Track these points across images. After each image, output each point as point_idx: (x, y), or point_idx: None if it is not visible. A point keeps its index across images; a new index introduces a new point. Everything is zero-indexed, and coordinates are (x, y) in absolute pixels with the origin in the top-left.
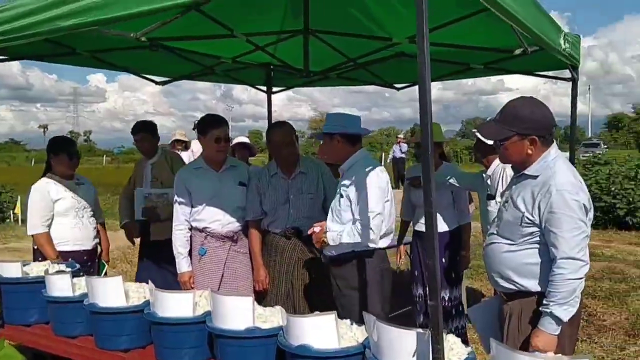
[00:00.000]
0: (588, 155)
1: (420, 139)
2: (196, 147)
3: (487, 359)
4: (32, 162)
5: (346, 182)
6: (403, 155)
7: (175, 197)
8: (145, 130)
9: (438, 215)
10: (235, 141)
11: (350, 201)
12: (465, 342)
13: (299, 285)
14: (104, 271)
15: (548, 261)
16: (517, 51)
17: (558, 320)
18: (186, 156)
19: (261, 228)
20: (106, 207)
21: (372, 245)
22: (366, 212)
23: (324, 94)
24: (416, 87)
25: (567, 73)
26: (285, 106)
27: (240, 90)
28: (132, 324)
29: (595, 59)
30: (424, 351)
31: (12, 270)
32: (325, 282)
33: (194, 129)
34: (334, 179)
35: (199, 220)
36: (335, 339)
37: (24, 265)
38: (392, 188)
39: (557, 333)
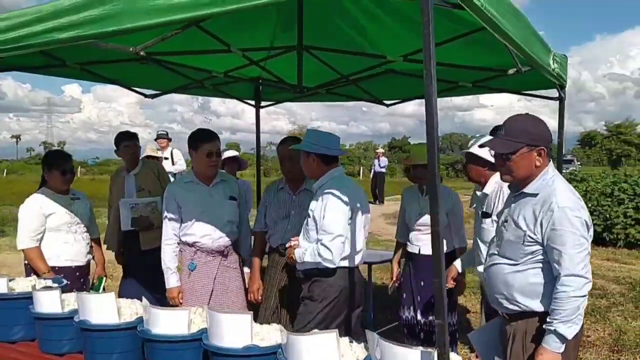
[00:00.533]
0: (563, 172)
1: (428, 160)
2: (177, 157)
3: None
4: (5, 173)
5: (314, 202)
6: (382, 170)
7: (165, 212)
8: (129, 139)
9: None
10: (225, 155)
11: (315, 221)
12: None
13: (286, 301)
14: (102, 285)
15: (551, 281)
16: (511, 71)
17: (562, 338)
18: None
19: (265, 240)
20: None
21: (330, 265)
22: (327, 233)
23: (302, 108)
24: (402, 104)
25: (549, 91)
26: (264, 119)
27: (218, 103)
28: (125, 342)
29: (568, 77)
30: None
31: None
32: None
33: (156, 140)
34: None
35: (189, 235)
36: (336, 358)
37: (10, 281)
38: (371, 203)
39: (561, 351)
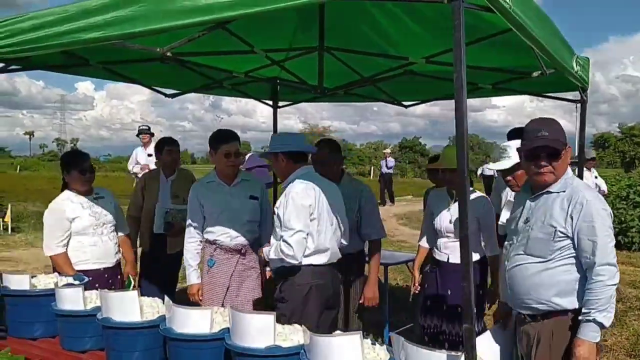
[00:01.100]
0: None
1: (457, 164)
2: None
3: None
4: (18, 170)
5: (280, 200)
6: (390, 171)
7: (189, 211)
8: (172, 144)
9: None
10: (250, 163)
11: (280, 219)
12: None
13: None
14: (130, 287)
15: (580, 278)
16: (535, 73)
17: (601, 327)
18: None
19: None
20: None
21: (293, 261)
22: (287, 229)
23: (312, 107)
24: (420, 105)
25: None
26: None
27: (229, 101)
28: (147, 340)
29: None
30: None
31: (20, 282)
32: None
33: (137, 135)
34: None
35: (209, 233)
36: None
37: (32, 277)
38: (379, 204)
39: (597, 340)
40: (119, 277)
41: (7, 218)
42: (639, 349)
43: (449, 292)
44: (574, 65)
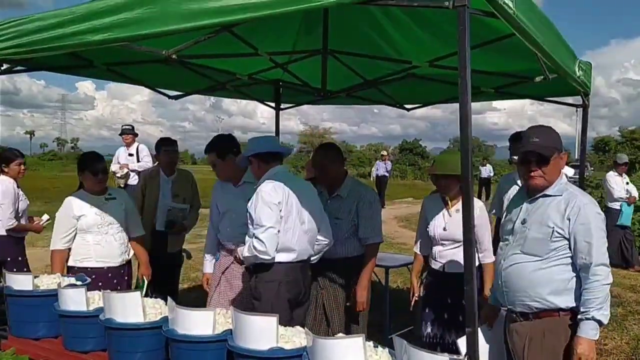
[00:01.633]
0: (576, 177)
1: (462, 168)
2: (142, 153)
3: None
4: None
5: (251, 199)
6: (387, 174)
7: (211, 206)
8: (169, 145)
9: (459, 253)
10: None
11: (251, 217)
12: None
13: None
14: (144, 288)
15: (574, 278)
16: (538, 78)
17: (600, 324)
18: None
19: None
20: None
21: (265, 257)
22: (259, 226)
23: (313, 108)
24: (425, 109)
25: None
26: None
27: (229, 102)
28: (149, 341)
29: None
30: None
31: (23, 282)
32: None
33: (120, 135)
34: (371, 205)
35: (218, 231)
36: None
37: (35, 278)
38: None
39: (596, 338)
40: (126, 277)
41: None
42: (639, 353)
43: (449, 301)
44: (577, 70)
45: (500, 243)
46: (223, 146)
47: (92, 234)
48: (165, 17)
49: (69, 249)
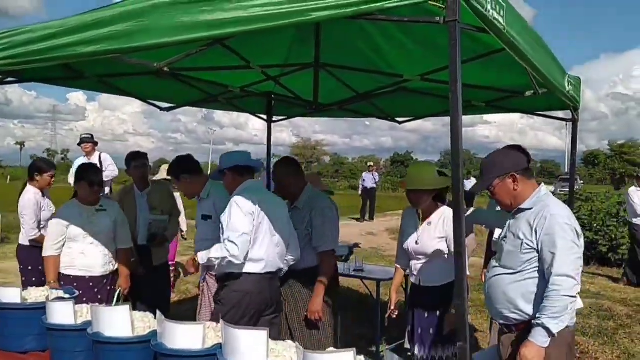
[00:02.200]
0: (565, 190)
1: (452, 182)
2: (107, 162)
3: None
4: (8, 179)
5: (225, 210)
6: (375, 186)
7: None
8: (138, 159)
9: (433, 266)
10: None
11: (224, 224)
12: None
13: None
14: (116, 297)
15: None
16: (528, 93)
17: (548, 332)
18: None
19: None
20: None
21: (236, 261)
22: (234, 231)
23: (305, 121)
24: (416, 122)
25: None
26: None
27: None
28: (138, 355)
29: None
30: None
31: (11, 295)
32: None
33: (79, 145)
34: (323, 213)
35: None
36: None
37: (23, 290)
38: (361, 220)
39: (545, 346)
40: (108, 287)
41: None
42: None
43: (426, 315)
44: (566, 85)
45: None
46: (174, 168)
47: (77, 242)
48: (157, 29)
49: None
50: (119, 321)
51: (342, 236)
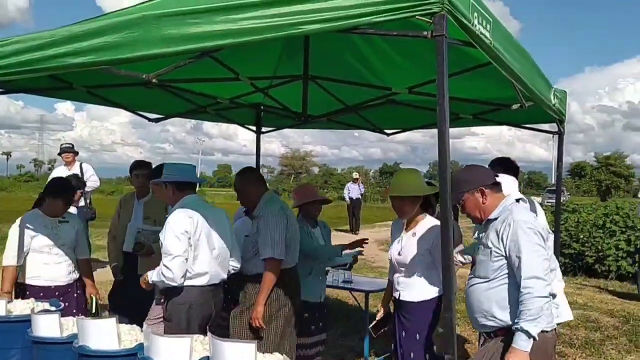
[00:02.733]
0: (552, 201)
1: (440, 192)
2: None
3: None
4: None
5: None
6: (360, 197)
7: None
8: (140, 168)
9: (412, 281)
10: None
11: (162, 245)
12: None
13: None
14: (93, 304)
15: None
16: (515, 106)
17: (529, 335)
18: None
19: None
20: None
21: (173, 283)
22: (167, 255)
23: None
24: (405, 133)
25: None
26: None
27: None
28: None
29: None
30: None
31: None
32: None
33: (60, 154)
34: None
35: None
36: None
37: (8, 303)
38: (345, 232)
39: (528, 350)
40: (75, 295)
41: None
42: None
43: (404, 334)
44: (552, 98)
45: None
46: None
47: (42, 254)
48: (146, 41)
49: (19, 266)
50: (105, 334)
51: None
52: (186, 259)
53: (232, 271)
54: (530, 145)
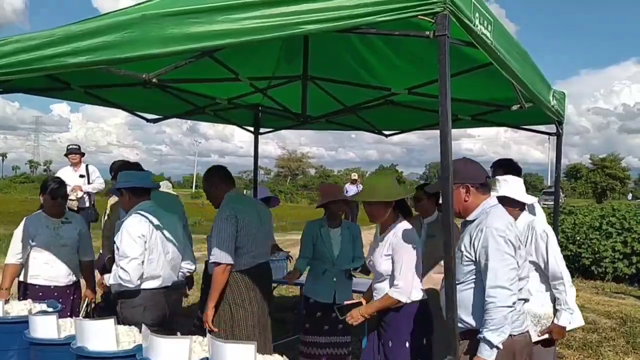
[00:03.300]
0: (549, 203)
1: (442, 195)
2: (94, 174)
3: None
4: None
5: (118, 232)
6: None
7: None
8: (129, 168)
9: (379, 288)
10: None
11: (117, 249)
12: None
13: None
14: (83, 307)
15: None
16: (514, 107)
17: (491, 345)
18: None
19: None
20: None
21: (130, 285)
22: (123, 257)
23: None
24: (402, 135)
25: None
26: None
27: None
28: None
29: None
30: None
31: None
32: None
33: (66, 155)
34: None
35: None
36: None
37: (5, 304)
38: None
39: (491, 359)
40: (72, 297)
41: None
42: None
43: (390, 345)
44: (551, 99)
45: None
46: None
47: (43, 253)
48: (146, 41)
49: (22, 265)
50: (103, 335)
51: None
52: (142, 262)
53: (188, 273)
54: (526, 147)
